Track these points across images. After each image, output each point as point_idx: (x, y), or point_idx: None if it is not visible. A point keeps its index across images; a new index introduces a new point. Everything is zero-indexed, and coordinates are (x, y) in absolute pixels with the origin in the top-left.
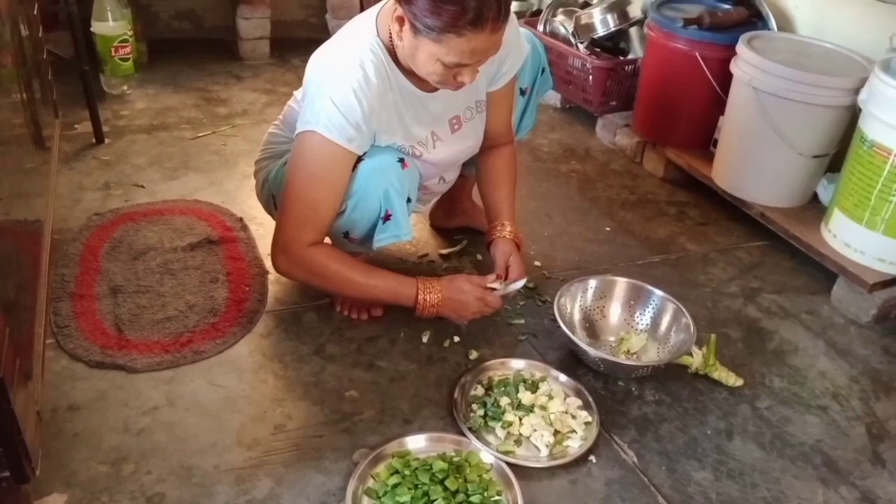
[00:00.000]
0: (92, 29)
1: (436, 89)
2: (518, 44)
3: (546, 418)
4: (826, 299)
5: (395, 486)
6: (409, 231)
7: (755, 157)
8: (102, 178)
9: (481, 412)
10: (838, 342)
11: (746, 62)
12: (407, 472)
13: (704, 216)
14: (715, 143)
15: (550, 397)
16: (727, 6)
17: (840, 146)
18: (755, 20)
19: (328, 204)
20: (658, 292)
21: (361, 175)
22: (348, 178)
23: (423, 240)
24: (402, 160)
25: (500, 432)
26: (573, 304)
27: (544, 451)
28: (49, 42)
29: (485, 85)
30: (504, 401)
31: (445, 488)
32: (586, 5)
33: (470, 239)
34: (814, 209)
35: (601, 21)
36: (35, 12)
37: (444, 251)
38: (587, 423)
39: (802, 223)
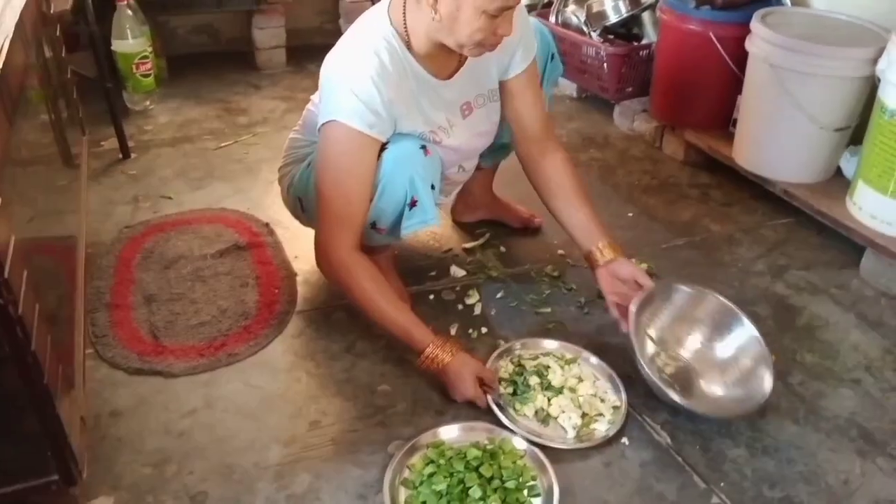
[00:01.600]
0: (112, 47)
1: (450, 76)
2: (529, 34)
3: (575, 400)
4: (855, 273)
5: (431, 475)
6: (436, 215)
7: (776, 134)
8: (131, 191)
9: (511, 390)
10: (869, 314)
11: (762, 39)
12: (442, 462)
13: (727, 197)
14: (734, 123)
15: (580, 379)
16: None
17: (861, 118)
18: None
19: (360, 195)
20: (748, 324)
21: (385, 164)
22: (375, 166)
23: (445, 235)
24: (424, 147)
25: (529, 411)
26: (650, 319)
27: (571, 433)
28: (72, 62)
29: (496, 73)
30: (534, 380)
31: (480, 475)
32: None
33: (493, 232)
34: (838, 183)
35: (613, 8)
36: (58, 34)
37: (468, 245)
38: (615, 408)
39: (827, 197)
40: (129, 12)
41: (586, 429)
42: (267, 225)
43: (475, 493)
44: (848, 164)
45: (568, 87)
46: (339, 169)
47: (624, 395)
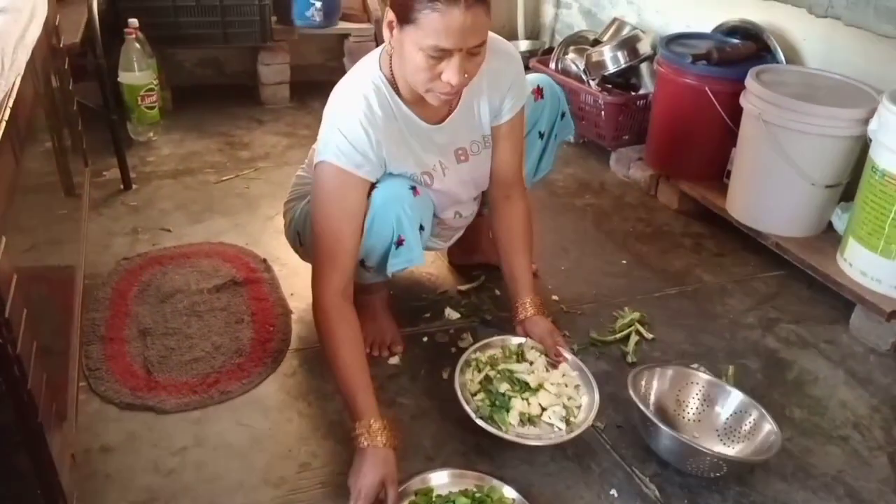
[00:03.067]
0: (119, 79)
1: (441, 121)
2: (521, 83)
3: (551, 393)
4: (845, 328)
5: None
6: (422, 255)
7: (768, 188)
8: (130, 223)
9: (488, 401)
10: (858, 371)
11: (756, 96)
12: None
13: (720, 247)
14: (728, 175)
15: (547, 369)
16: (735, 40)
17: (853, 175)
18: (763, 54)
19: (349, 234)
20: (741, 396)
21: (374, 202)
22: (364, 205)
23: (441, 277)
24: (413, 188)
25: (513, 419)
26: (648, 390)
27: (561, 425)
28: (78, 92)
29: (489, 119)
30: (504, 387)
31: None
32: (597, 43)
33: (488, 275)
34: (829, 238)
35: (612, 59)
36: (66, 66)
37: (463, 287)
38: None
39: (818, 252)
40: (137, 45)
41: (573, 420)
42: (264, 261)
43: None
44: (839, 220)
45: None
46: (330, 207)
47: (595, 386)
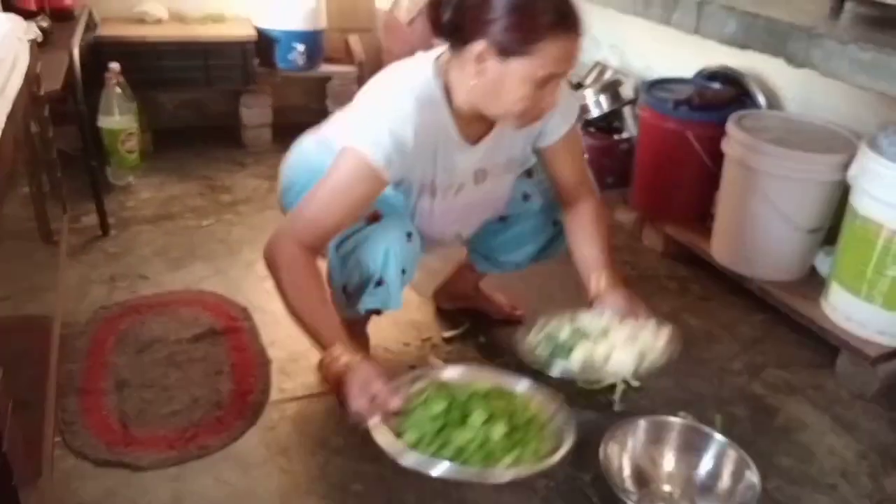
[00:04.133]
0: (99, 123)
1: (478, 140)
2: (569, 100)
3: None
4: (831, 373)
5: (428, 399)
6: (399, 302)
7: (751, 233)
8: (109, 270)
9: (547, 351)
10: (845, 417)
11: (737, 141)
12: (443, 390)
13: (706, 290)
14: (712, 218)
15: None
16: (716, 85)
17: (835, 219)
18: (744, 98)
19: (338, 215)
20: (719, 438)
21: (367, 231)
22: (365, 204)
23: (425, 322)
24: (409, 234)
25: (575, 365)
26: (622, 451)
27: (633, 362)
28: (57, 136)
29: (524, 142)
30: (564, 333)
31: (487, 403)
32: (580, 86)
33: (473, 321)
34: (813, 282)
35: (594, 103)
36: (46, 113)
37: (447, 334)
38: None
39: (803, 297)
40: (118, 89)
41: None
42: (245, 309)
43: (477, 417)
44: (822, 264)
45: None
46: (338, 184)
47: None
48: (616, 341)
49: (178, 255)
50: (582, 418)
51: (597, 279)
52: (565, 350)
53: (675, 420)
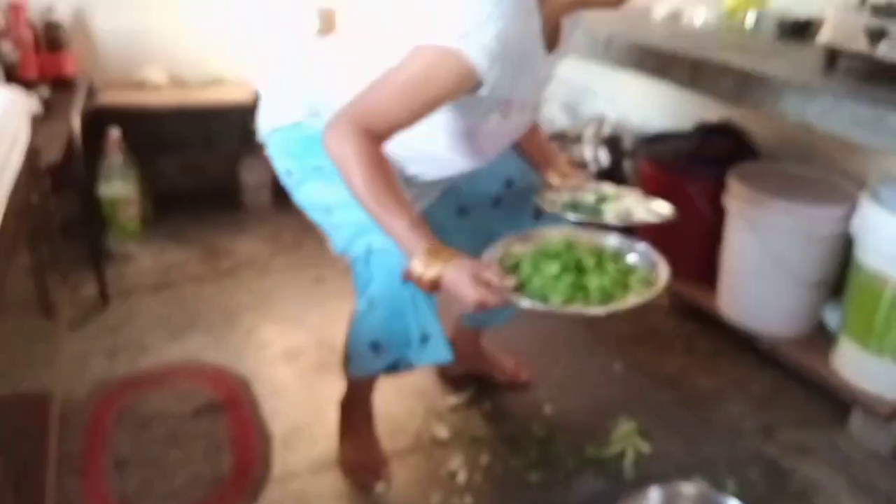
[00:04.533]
0: (99, 191)
1: (551, 50)
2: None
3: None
4: (844, 430)
5: (536, 265)
6: (450, 352)
7: (757, 288)
8: (108, 342)
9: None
10: (860, 477)
11: (738, 195)
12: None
13: (714, 347)
14: (718, 272)
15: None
16: (715, 138)
17: (841, 271)
18: (744, 150)
19: (415, 111)
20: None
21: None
22: (444, 103)
23: (428, 390)
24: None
25: (610, 217)
26: None
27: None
28: (56, 202)
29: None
30: (589, 198)
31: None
32: (579, 140)
33: (478, 388)
34: (822, 336)
35: (594, 158)
36: (46, 185)
37: (451, 402)
38: None
39: (812, 352)
40: (119, 157)
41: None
42: (245, 381)
43: (589, 259)
44: (831, 318)
45: None
46: (423, 80)
47: None
48: (632, 200)
49: (178, 324)
50: (592, 489)
51: (559, 161)
52: (593, 210)
53: (687, 487)
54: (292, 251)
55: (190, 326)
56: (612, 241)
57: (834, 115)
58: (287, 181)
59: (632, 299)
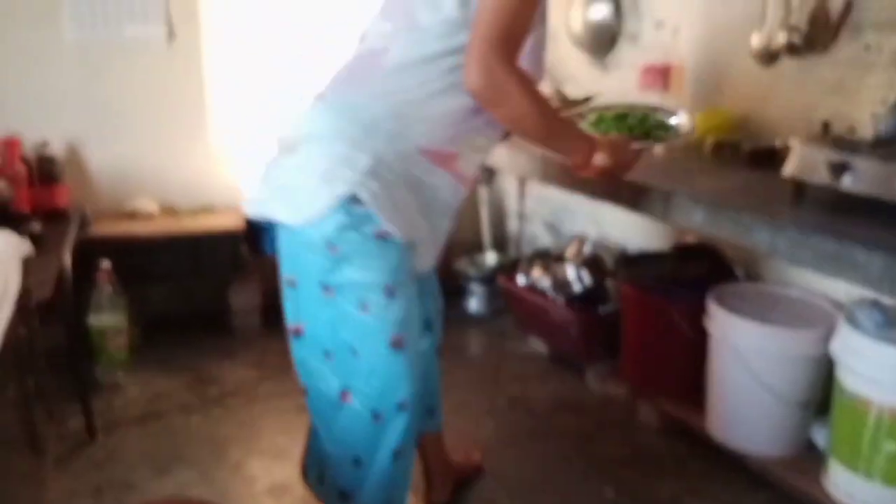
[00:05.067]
0: (88, 322)
1: None
2: None
3: None
4: None
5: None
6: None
7: (743, 408)
8: (95, 480)
9: None
10: None
11: (718, 318)
12: None
13: (705, 468)
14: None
15: None
16: (694, 258)
17: (825, 390)
18: (722, 271)
19: (530, 16)
20: None
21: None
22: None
23: None
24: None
25: None
26: None
27: None
28: (45, 333)
29: None
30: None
31: None
32: (561, 259)
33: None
34: (812, 456)
35: (576, 278)
36: (35, 321)
37: None
38: None
39: (802, 473)
40: (109, 288)
41: None
42: None
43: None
44: (819, 438)
45: (539, 346)
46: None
47: None
48: None
49: (165, 458)
50: None
51: None
52: None
53: None
54: (279, 376)
55: (177, 460)
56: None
57: (801, 249)
58: (320, 296)
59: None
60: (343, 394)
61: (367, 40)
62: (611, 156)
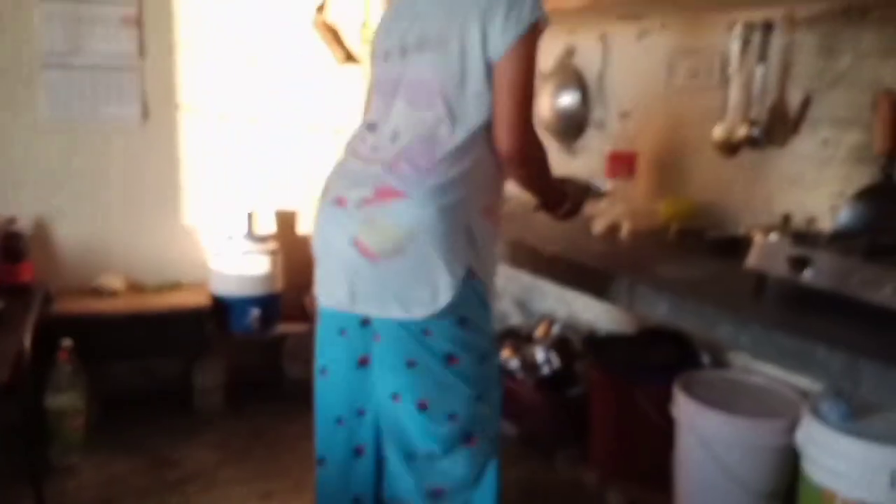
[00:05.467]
0: (45, 402)
1: None
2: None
3: None
4: None
5: None
6: None
7: (710, 497)
8: None
9: None
10: None
11: (683, 406)
12: None
13: None
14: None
15: None
16: (660, 341)
17: (792, 479)
18: (689, 355)
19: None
20: None
21: None
22: None
23: None
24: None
25: None
26: None
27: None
28: None
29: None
30: None
31: None
32: (531, 339)
33: None
34: None
35: (545, 360)
36: None
37: None
38: None
39: None
40: (68, 368)
41: None
42: None
43: None
44: None
45: (508, 429)
46: (535, 72)
47: None
48: None
49: None
50: None
51: None
52: None
53: None
54: (241, 459)
55: None
56: None
57: (765, 345)
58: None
59: None
60: (470, 438)
61: (412, 128)
62: (571, 200)
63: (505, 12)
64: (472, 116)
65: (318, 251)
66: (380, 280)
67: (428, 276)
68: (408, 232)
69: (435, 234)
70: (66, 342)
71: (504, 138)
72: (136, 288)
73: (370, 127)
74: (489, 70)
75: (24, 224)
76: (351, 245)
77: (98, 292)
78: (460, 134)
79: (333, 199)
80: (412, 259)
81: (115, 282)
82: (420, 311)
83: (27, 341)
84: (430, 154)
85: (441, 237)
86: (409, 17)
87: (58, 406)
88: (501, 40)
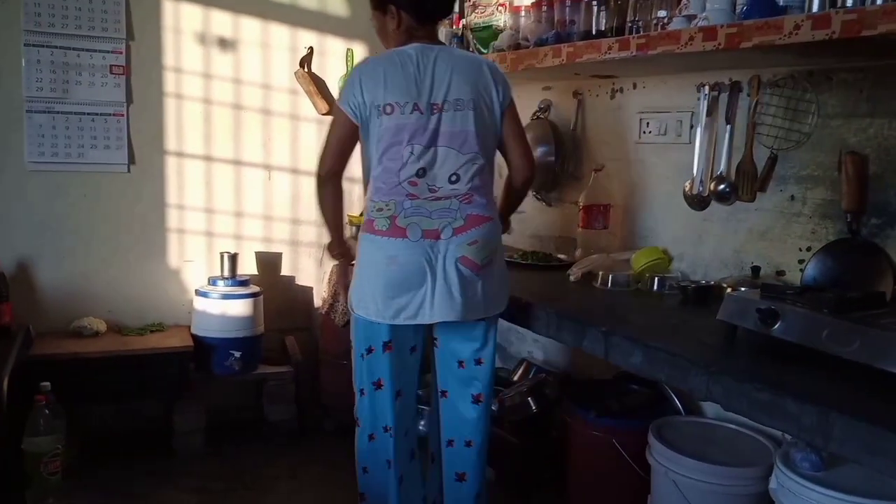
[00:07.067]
0: (23, 445)
1: None
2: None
3: None
4: None
5: None
6: None
7: None
8: None
9: None
10: None
11: (658, 453)
12: None
13: None
14: None
15: None
16: (634, 387)
17: None
18: (663, 400)
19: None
20: None
21: None
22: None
23: None
24: None
25: None
26: None
27: None
28: None
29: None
30: None
31: None
32: (510, 383)
33: None
34: None
35: (522, 405)
36: None
37: None
38: None
39: None
40: (46, 411)
41: None
42: None
43: None
44: None
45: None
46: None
47: None
48: None
49: None
50: None
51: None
52: None
53: None
54: (221, 501)
55: None
56: None
57: (736, 397)
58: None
59: None
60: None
61: (467, 169)
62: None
63: (501, 80)
64: (491, 153)
65: (396, 278)
66: (482, 287)
67: (505, 277)
68: (498, 245)
69: (502, 245)
70: (45, 385)
71: (527, 165)
72: (117, 330)
73: (419, 173)
74: (503, 119)
75: (5, 265)
76: (454, 266)
77: (79, 334)
78: (488, 167)
79: (420, 234)
80: (497, 265)
81: (96, 323)
82: (503, 305)
83: (4, 384)
84: (486, 186)
85: (503, 247)
86: (427, 81)
87: (35, 449)
88: (504, 98)
